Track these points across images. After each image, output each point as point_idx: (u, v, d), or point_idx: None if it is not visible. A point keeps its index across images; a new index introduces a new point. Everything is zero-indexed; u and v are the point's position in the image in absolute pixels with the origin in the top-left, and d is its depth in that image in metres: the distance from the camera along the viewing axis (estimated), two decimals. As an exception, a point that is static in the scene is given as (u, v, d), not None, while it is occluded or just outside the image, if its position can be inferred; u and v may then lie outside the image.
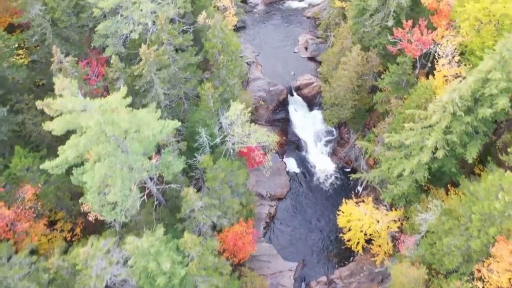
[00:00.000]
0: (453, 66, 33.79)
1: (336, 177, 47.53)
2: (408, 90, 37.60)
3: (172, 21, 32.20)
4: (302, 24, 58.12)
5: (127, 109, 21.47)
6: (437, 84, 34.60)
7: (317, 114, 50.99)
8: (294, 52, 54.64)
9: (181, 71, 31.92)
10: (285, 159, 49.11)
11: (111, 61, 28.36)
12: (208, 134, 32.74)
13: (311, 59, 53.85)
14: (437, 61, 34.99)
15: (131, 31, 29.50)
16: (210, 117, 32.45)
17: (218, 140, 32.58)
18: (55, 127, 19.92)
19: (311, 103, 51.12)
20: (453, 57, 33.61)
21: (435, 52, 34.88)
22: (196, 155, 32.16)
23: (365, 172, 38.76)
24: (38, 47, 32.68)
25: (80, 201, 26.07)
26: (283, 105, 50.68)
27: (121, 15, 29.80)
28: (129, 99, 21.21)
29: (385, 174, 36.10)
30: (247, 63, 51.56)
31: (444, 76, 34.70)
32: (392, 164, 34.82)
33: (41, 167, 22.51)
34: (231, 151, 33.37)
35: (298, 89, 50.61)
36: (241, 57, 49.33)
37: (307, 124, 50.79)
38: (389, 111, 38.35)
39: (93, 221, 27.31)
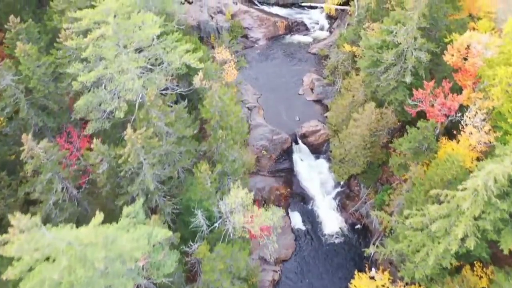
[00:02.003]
0: (482, 135, 29.92)
1: (345, 236, 43.51)
2: (428, 155, 33.68)
3: (164, 89, 28.18)
4: (307, 61, 54.01)
5: (102, 235, 17.43)
6: (462, 152, 30.82)
7: (324, 163, 46.96)
8: (299, 94, 50.62)
9: (174, 145, 27.96)
10: (289, 214, 45.09)
11: (92, 145, 24.35)
12: (205, 215, 28.86)
13: (317, 101, 49.80)
14: (463, 127, 31.17)
15: (115, 109, 25.49)
16: (208, 197, 28.51)
17: (216, 225, 28.62)
18: (13, 273, 15.93)
19: (318, 151, 47.11)
20: (483, 126, 29.72)
21: (461, 119, 30.98)
22: (192, 243, 28.22)
23: (380, 246, 34.73)
24: (10, 119, 28.65)
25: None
26: (287, 154, 46.67)
27: (105, 87, 25.80)
28: (106, 228, 17.22)
29: (404, 250, 32.23)
30: (248, 108, 47.72)
31: (471, 144, 30.90)
32: (412, 242, 30.98)
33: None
34: (231, 233, 29.41)
35: (304, 136, 46.63)
36: (245, 107, 45.77)
37: (313, 174, 46.73)
38: (407, 178, 34.37)
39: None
